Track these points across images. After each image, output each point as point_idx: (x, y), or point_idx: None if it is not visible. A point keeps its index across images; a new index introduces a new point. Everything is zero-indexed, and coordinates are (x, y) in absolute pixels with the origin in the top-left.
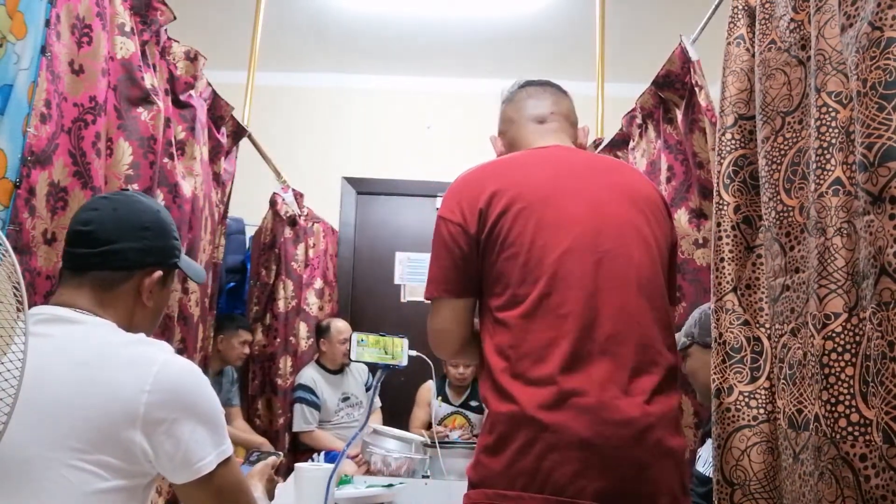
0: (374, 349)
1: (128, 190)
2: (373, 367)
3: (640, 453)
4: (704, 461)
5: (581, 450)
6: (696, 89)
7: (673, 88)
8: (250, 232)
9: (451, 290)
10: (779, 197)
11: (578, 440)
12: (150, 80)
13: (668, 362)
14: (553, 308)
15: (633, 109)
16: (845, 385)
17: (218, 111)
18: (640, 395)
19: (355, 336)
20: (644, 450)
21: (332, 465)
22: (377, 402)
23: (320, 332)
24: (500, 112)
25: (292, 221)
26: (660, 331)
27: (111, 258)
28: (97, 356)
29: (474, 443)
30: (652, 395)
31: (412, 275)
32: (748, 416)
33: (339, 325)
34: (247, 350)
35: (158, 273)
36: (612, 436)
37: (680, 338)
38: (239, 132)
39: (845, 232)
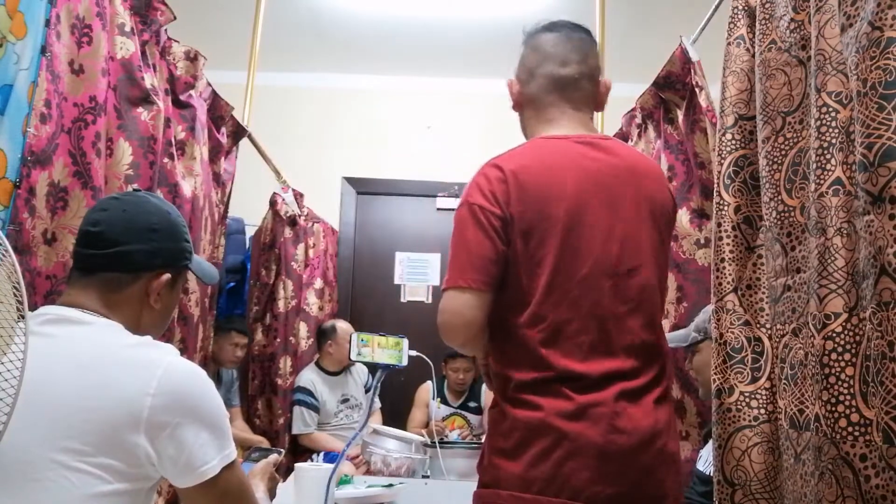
0: (374, 349)
1: (140, 191)
2: (372, 368)
3: (647, 459)
4: (706, 460)
5: (596, 458)
6: (697, 90)
7: (674, 89)
8: (250, 232)
9: (488, 283)
10: (780, 197)
11: (594, 448)
12: (150, 80)
13: (667, 377)
14: (571, 335)
15: (633, 109)
16: (845, 385)
17: (218, 111)
18: (647, 406)
19: (355, 336)
20: (650, 456)
21: (331, 465)
22: (377, 403)
23: (325, 334)
24: (521, 53)
25: (292, 221)
26: (660, 345)
27: (118, 259)
28: (101, 358)
29: (474, 443)
30: (655, 405)
31: (412, 275)
32: (749, 416)
33: (345, 326)
34: (239, 353)
35: (166, 276)
36: (623, 444)
37: (690, 332)
38: (239, 132)
39: (845, 232)
